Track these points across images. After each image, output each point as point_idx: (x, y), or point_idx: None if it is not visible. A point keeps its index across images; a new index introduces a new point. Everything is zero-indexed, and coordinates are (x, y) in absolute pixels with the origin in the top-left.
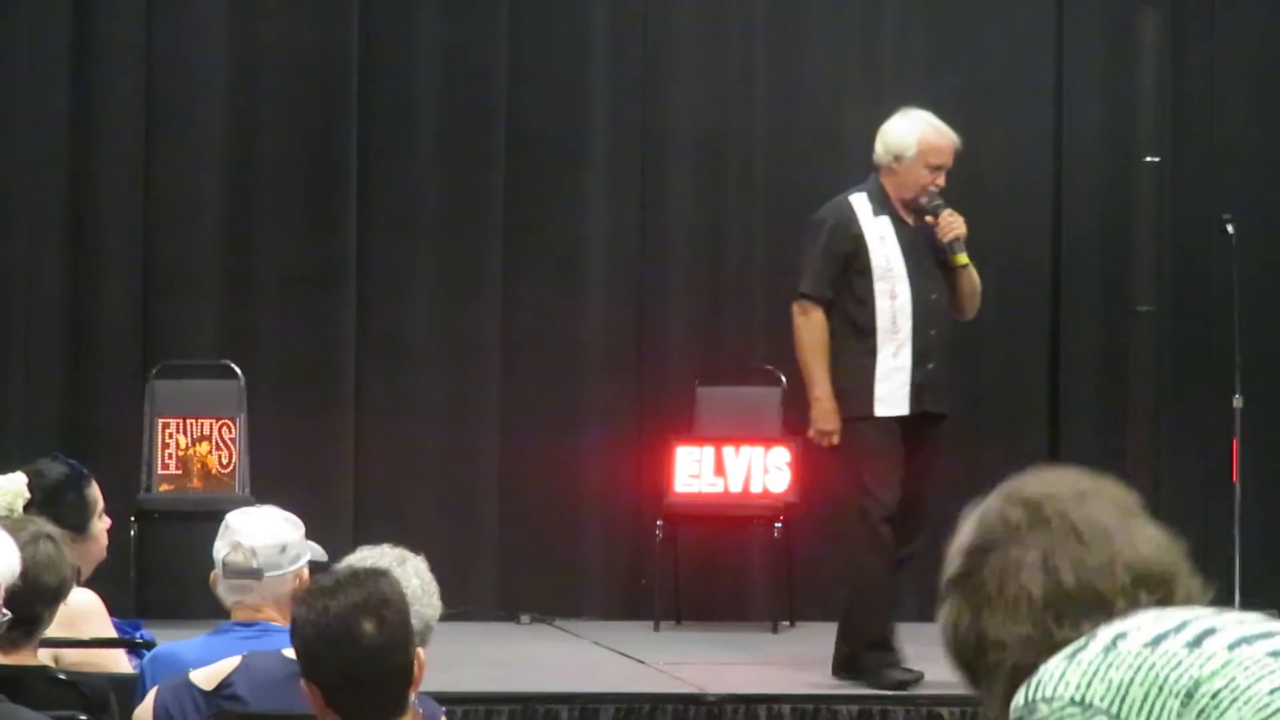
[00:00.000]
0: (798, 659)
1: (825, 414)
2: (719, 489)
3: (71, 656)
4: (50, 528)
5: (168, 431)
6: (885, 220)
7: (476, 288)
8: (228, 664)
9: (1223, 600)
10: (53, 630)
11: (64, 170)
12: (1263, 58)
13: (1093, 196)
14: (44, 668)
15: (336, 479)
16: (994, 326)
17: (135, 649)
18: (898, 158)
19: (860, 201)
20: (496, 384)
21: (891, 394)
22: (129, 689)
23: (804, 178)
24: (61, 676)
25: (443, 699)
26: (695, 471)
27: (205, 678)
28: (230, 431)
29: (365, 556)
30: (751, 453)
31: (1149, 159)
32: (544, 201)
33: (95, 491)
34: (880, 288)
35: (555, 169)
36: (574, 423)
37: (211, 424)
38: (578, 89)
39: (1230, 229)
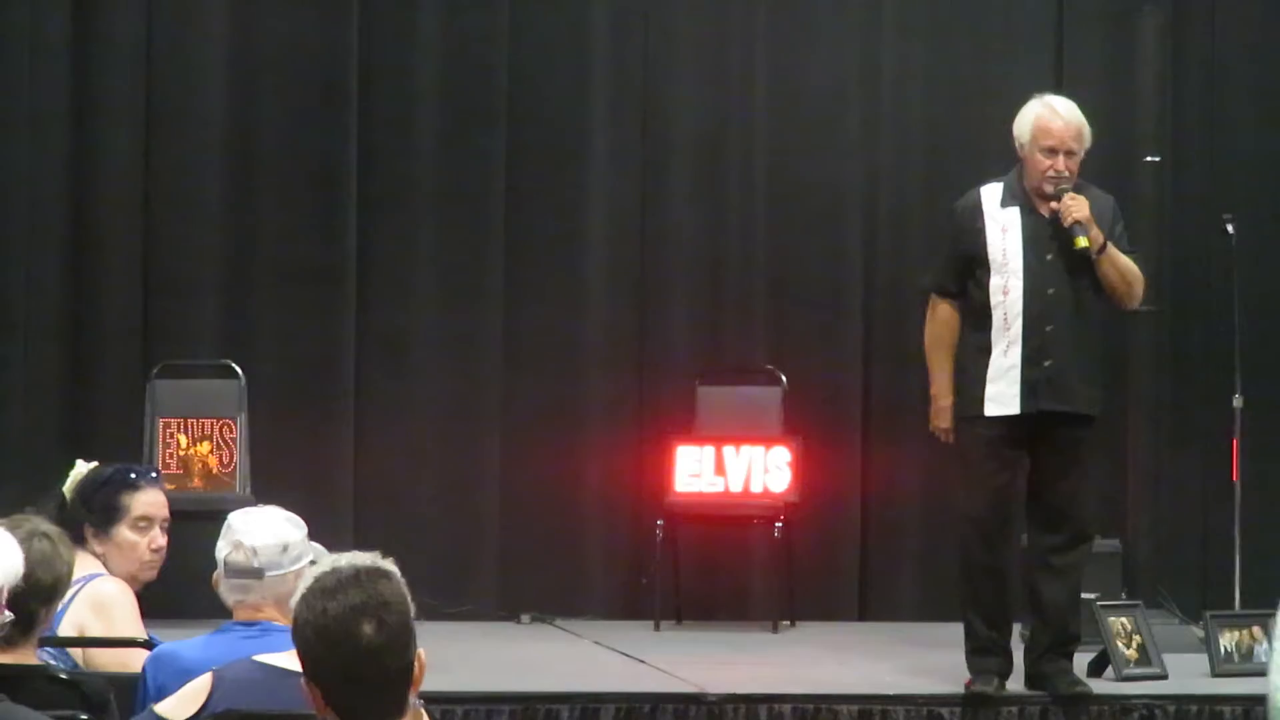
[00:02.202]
0: (798, 658)
1: (937, 412)
2: (719, 489)
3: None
4: (47, 526)
5: (169, 431)
6: (1014, 211)
7: (477, 287)
8: (199, 687)
9: (1223, 600)
10: (82, 615)
11: (64, 170)
12: (1263, 58)
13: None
14: (43, 666)
15: (337, 479)
16: None
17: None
18: (1020, 144)
19: (991, 192)
20: (497, 384)
21: (1002, 393)
22: (130, 689)
23: (804, 177)
24: (62, 675)
25: (443, 699)
26: (696, 471)
27: (179, 706)
28: (231, 431)
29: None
30: (752, 452)
31: (1149, 159)
32: (544, 202)
33: (133, 501)
34: (995, 282)
35: (555, 169)
36: (574, 422)
37: (212, 424)
38: (578, 89)
39: (1230, 229)
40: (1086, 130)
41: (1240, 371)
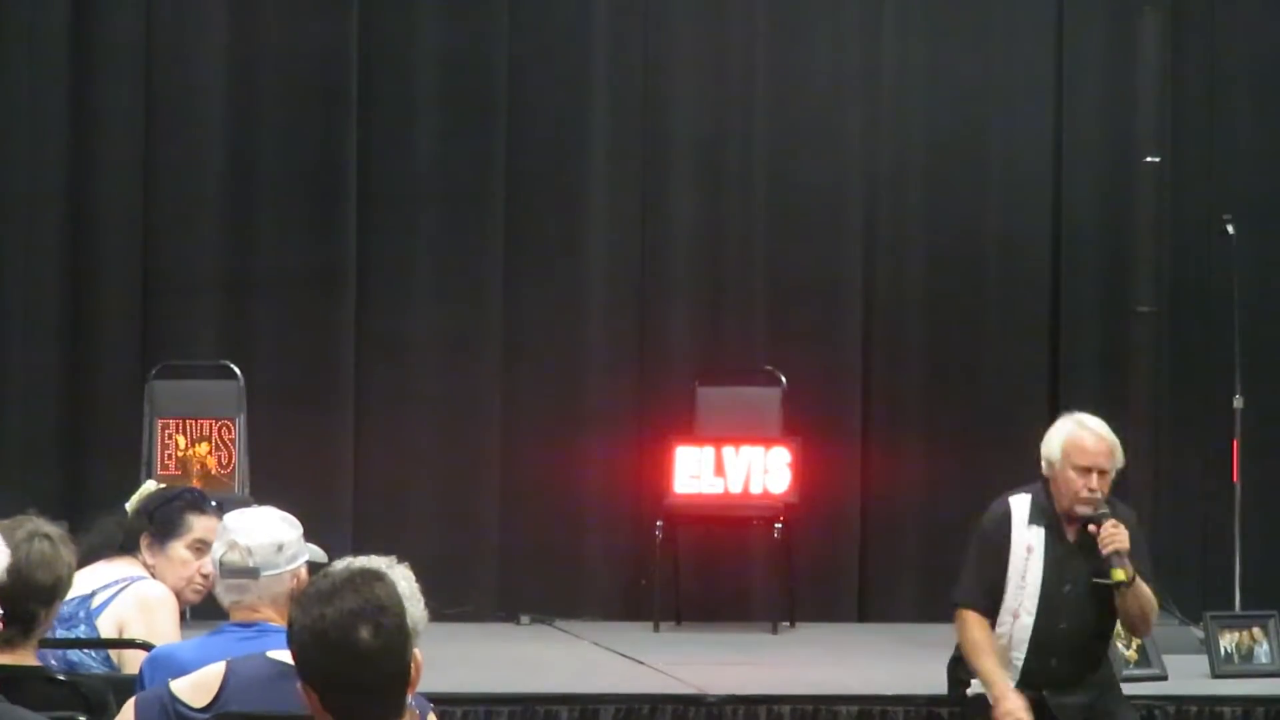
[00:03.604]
0: (797, 659)
1: (1010, 709)
2: (719, 489)
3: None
4: (49, 527)
5: (167, 432)
6: (1039, 531)
7: (477, 288)
8: (213, 675)
9: (1223, 601)
10: (127, 612)
11: (63, 171)
12: (1263, 58)
13: (1093, 196)
14: (42, 667)
15: (336, 480)
16: (994, 326)
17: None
18: (1049, 463)
19: (1019, 504)
20: (497, 384)
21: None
22: (128, 690)
23: (804, 178)
24: (60, 677)
25: (443, 699)
26: (695, 472)
27: (193, 691)
28: (229, 432)
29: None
30: (751, 453)
31: (1149, 159)
32: (544, 202)
33: (195, 521)
34: (1008, 603)
35: (555, 169)
36: (574, 423)
37: (211, 424)
38: (578, 89)
39: (1230, 229)
40: (1119, 451)
41: (1240, 372)
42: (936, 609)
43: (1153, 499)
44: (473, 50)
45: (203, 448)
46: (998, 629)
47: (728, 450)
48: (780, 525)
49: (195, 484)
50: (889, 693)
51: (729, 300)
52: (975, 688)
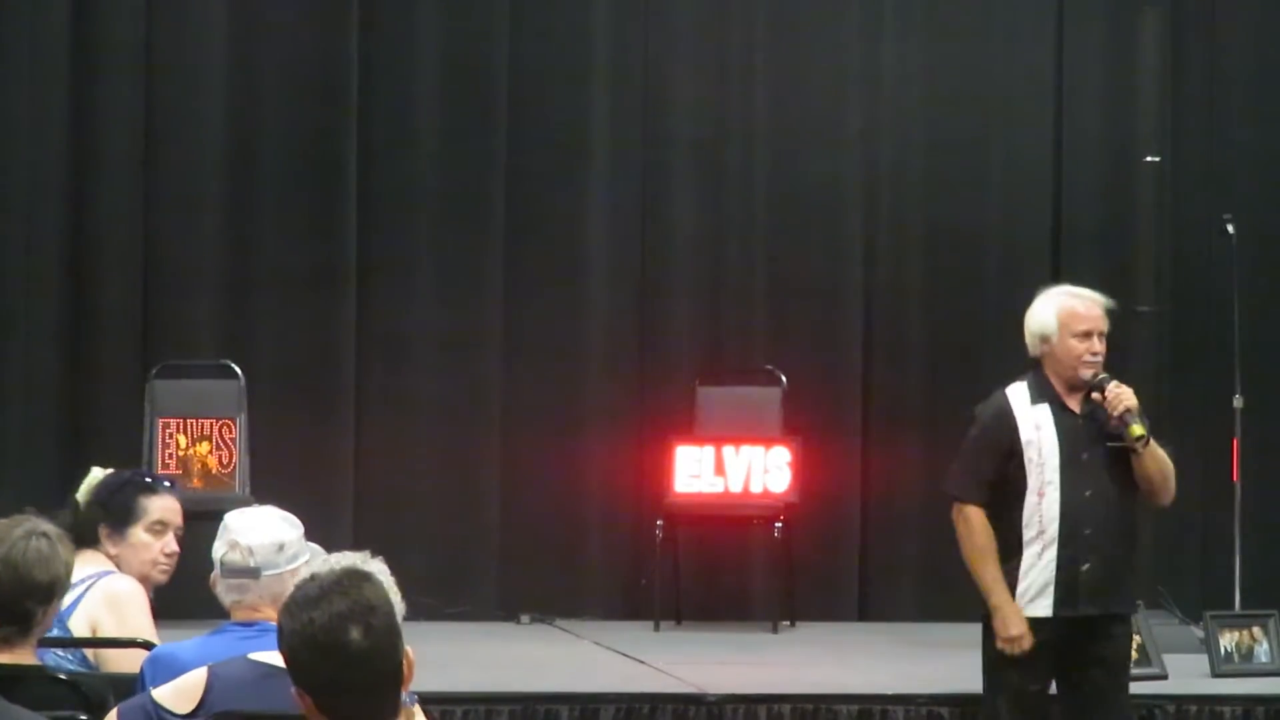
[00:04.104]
0: (798, 658)
1: (1005, 620)
2: (719, 489)
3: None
4: (46, 525)
5: (168, 431)
6: (1044, 408)
7: (477, 288)
8: (195, 681)
9: (1223, 600)
10: (96, 610)
11: (64, 171)
12: (1263, 58)
13: (1093, 196)
14: (41, 666)
15: (336, 479)
16: (994, 326)
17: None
18: (1044, 338)
19: (1017, 391)
20: (497, 384)
21: (1035, 594)
22: (129, 689)
23: (804, 177)
24: (60, 676)
25: (444, 699)
26: (695, 471)
27: (176, 698)
28: (230, 431)
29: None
30: (752, 453)
31: (1149, 159)
32: (544, 202)
33: (150, 504)
34: (1030, 484)
35: (555, 170)
36: (575, 423)
37: (212, 424)
38: (578, 89)
39: (1230, 229)
40: (1107, 314)
41: (1240, 371)
42: (937, 608)
43: None
44: (473, 50)
45: (203, 447)
46: (1027, 508)
47: (728, 450)
48: (780, 525)
49: (197, 484)
50: (889, 692)
51: (729, 300)
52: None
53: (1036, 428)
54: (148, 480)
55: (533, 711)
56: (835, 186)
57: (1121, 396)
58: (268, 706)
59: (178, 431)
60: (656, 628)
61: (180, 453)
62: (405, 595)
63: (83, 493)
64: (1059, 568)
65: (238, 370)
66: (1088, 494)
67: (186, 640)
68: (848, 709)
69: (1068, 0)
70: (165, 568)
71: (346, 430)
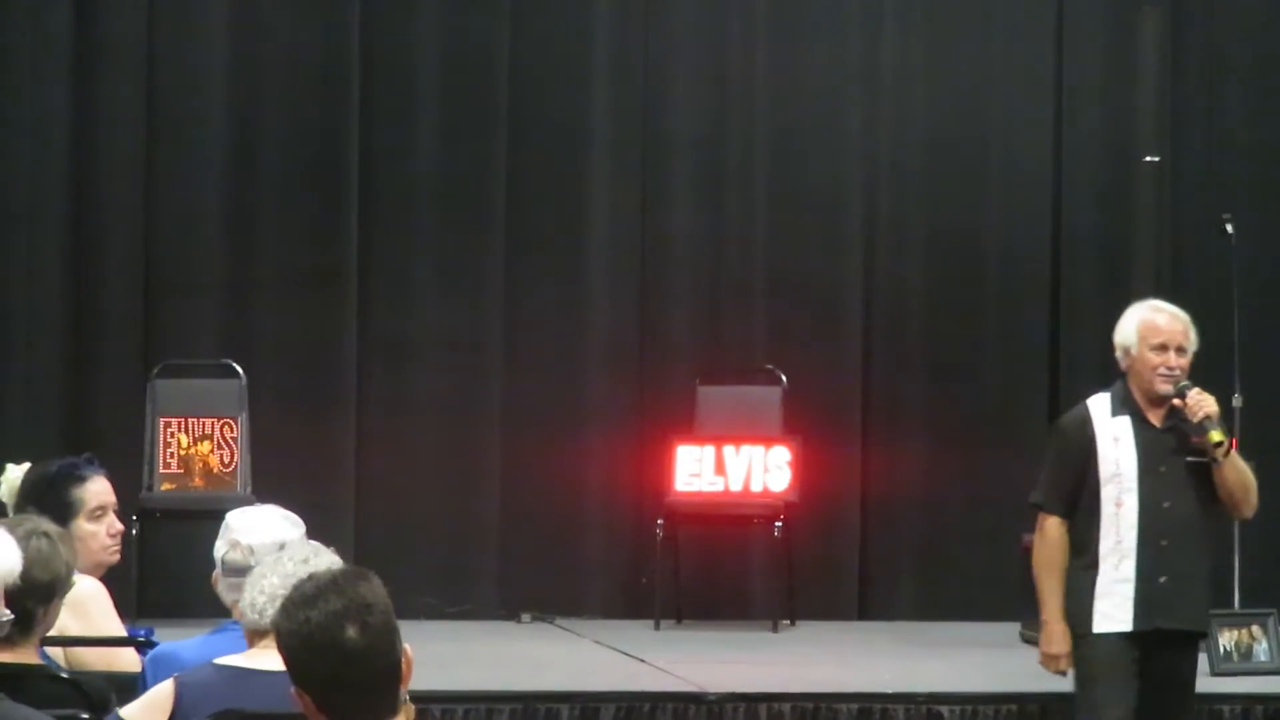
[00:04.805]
0: (798, 657)
1: (1049, 637)
2: (719, 488)
3: (85, 655)
4: (48, 525)
5: (169, 431)
6: (1125, 420)
7: (477, 287)
8: (163, 695)
9: (1223, 600)
10: (63, 620)
11: (65, 170)
12: (1263, 57)
13: (1092, 196)
14: (44, 666)
15: (338, 478)
16: (994, 326)
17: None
18: (1126, 351)
19: (1099, 403)
20: (497, 384)
21: (1112, 609)
22: (130, 687)
23: (804, 177)
24: (63, 675)
25: (444, 698)
26: (696, 470)
27: (145, 713)
28: (232, 431)
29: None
30: (752, 452)
31: (1148, 159)
32: (544, 202)
33: (85, 492)
34: (1107, 494)
35: (555, 170)
36: (575, 422)
37: (213, 423)
38: (578, 89)
39: (1230, 229)
40: (1193, 331)
41: (1240, 371)
42: (936, 607)
43: None
44: (474, 50)
45: (205, 446)
46: (1104, 520)
47: (728, 449)
48: (780, 524)
49: (198, 483)
50: (889, 690)
51: (729, 299)
52: (1099, 625)
53: (1115, 439)
54: (75, 467)
55: (533, 710)
56: (835, 186)
57: (1202, 403)
58: (238, 707)
59: (179, 431)
60: (657, 626)
61: (181, 452)
62: (406, 594)
63: (6, 495)
64: (1138, 579)
65: (239, 369)
66: (1166, 505)
67: (188, 639)
68: (848, 708)
69: (1067, 0)
70: (114, 548)
71: (348, 429)
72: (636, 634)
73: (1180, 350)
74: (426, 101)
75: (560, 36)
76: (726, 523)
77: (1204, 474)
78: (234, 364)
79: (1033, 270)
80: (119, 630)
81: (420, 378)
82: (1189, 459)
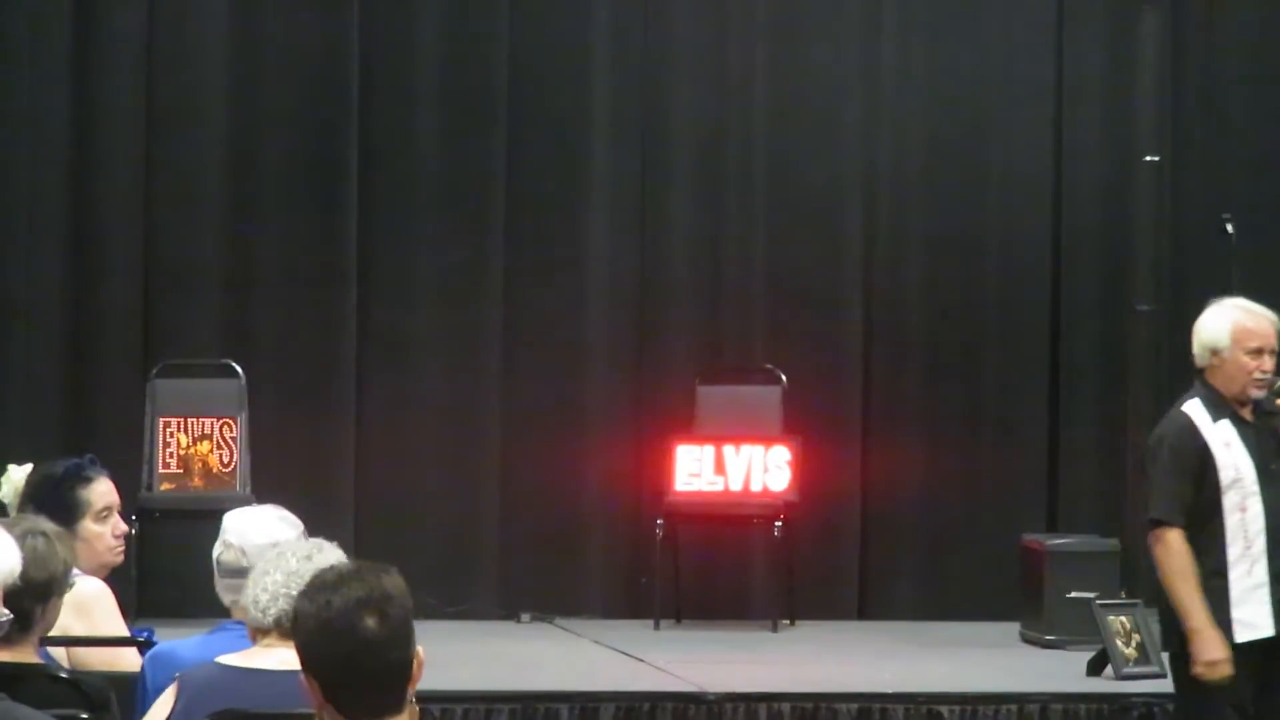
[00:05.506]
0: (797, 657)
1: (1208, 644)
2: (719, 488)
3: (87, 655)
4: (45, 525)
5: (169, 430)
6: (1226, 424)
7: (477, 287)
8: (166, 697)
9: None
10: (64, 617)
11: (64, 169)
12: (1263, 57)
13: (1093, 196)
14: (43, 665)
15: (337, 478)
16: (994, 326)
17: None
18: (1214, 352)
19: (1195, 408)
20: (497, 384)
21: (1252, 616)
22: (129, 687)
23: (804, 177)
24: (62, 674)
25: (443, 698)
26: (696, 470)
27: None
28: (231, 430)
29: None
30: (751, 452)
31: (1149, 159)
32: (544, 202)
33: (91, 494)
34: (1231, 500)
35: (555, 170)
36: (575, 422)
37: (213, 423)
38: (578, 89)
39: (1230, 229)
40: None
41: None
42: (936, 607)
43: None
44: (473, 49)
45: (204, 446)
46: (1229, 526)
47: (728, 449)
48: (780, 523)
49: (198, 483)
50: (889, 690)
51: (729, 299)
52: (1240, 635)
53: (1226, 444)
54: (79, 469)
55: (533, 710)
56: (835, 186)
57: None
58: (239, 707)
59: (178, 430)
60: (656, 626)
61: (181, 451)
62: None
63: (9, 495)
64: (1271, 582)
65: (238, 369)
66: (1277, 505)
67: (187, 639)
68: (847, 708)
69: (1068, 0)
70: (119, 549)
71: (348, 429)
72: (636, 634)
73: (1272, 353)
74: (426, 100)
75: (560, 35)
76: (726, 523)
77: None
78: (234, 364)
79: (1032, 271)
80: (123, 631)
81: (420, 377)
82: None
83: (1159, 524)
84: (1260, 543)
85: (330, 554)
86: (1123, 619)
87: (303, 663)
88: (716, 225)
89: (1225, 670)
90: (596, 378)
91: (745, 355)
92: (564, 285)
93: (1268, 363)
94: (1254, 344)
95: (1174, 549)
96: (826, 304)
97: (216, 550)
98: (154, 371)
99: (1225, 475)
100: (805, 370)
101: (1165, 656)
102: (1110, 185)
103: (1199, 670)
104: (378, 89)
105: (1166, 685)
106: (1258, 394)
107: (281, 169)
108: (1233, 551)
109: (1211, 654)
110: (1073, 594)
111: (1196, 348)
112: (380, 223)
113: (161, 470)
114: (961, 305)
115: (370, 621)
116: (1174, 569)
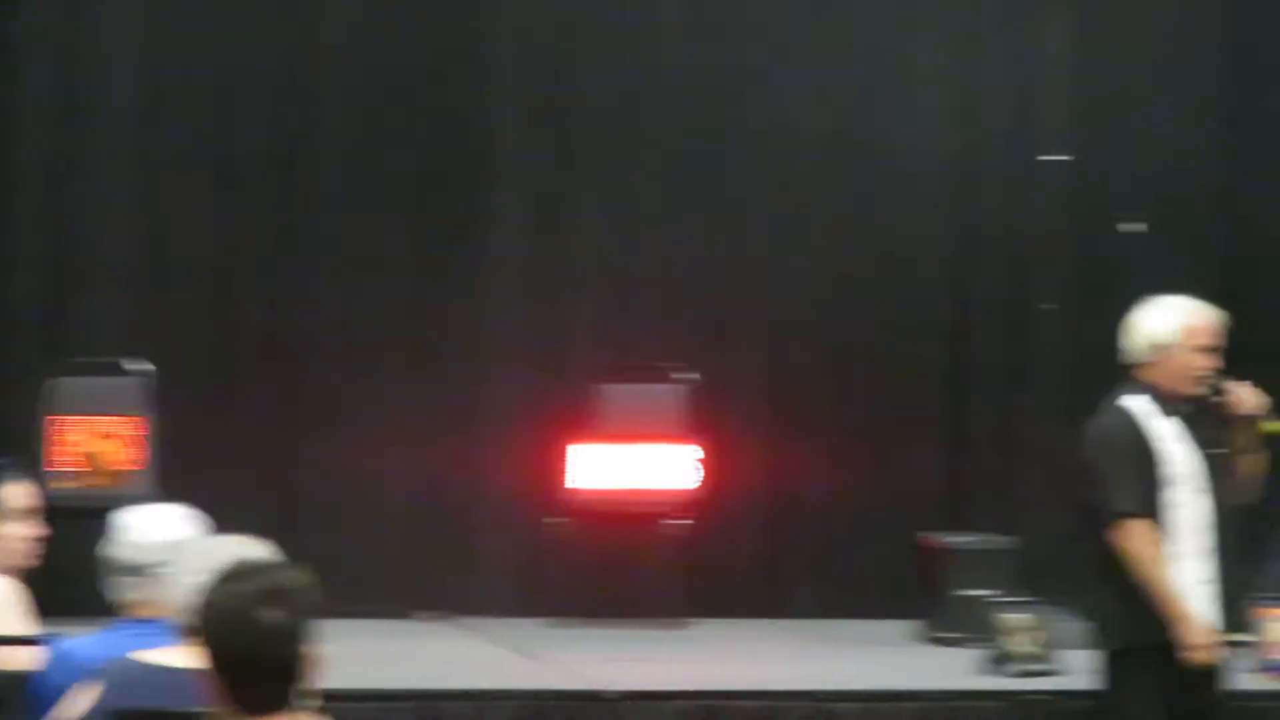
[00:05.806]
0: (697, 656)
1: (1193, 629)
2: (621, 486)
3: None
4: None
5: (71, 429)
6: (1169, 419)
7: (379, 283)
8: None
9: None
10: None
11: None
12: (1170, 56)
13: (996, 194)
14: None
15: (239, 480)
16: (897, 325)
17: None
18: (1158, 348)
19: (1136, 402)
20: (397, 381)
21: (1195, 611)
22: (17, 687)
23: (708, 174)
24: None
25: (340, 696)
26: (597, 468)
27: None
28: (136, 429)
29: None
30: (656, 450)
31: (1053, 157)
32: (447, 197)
33: (14, 494)
34: (1180, 495)
35: (457, 164)
36: (475, 420)
37: (117, 421)
38: (482, 85)
39: (1127, 228)
40: None
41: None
42: (842, 606)
43: None
44: (385, 49)
45: (109, 445)
46: (1173, 529)
47: (630, 447)
48: (683, 522)
49: (101, 482)
50: (789, 689)
51: (632, 296)
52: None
53: (1170, 440)
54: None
55: (431, 709)
56: (737, 184)
57: (1249, 395)
58: (156, 704)
59: (81, 429)
60: (555, 625)
61: (84, 450)
62: None
63: None
64: (1216, 577)
65: (145, 367)
66: (1218, 501)
67: (82, 637)
68: (748, 706)
69: None
70: (35, 551)
71: (249, 430)
72: (534, 632)
73: (1217, 350)
74: (333, 95)
75: (462, 27)
76: (627, 520)
77: (1227, 461)
78: (140, 362)
79: (936, 269)
80: (33, 630)
81: (323, 374)
82: (1217, 451)
83: (1122, 516)
84: (1209, 539)
85: (258, 551)
86: (1022, 616)
87: (201, 653)
88: (619, 221)
89: (1214, 654)
90: (498, 375)
91: (650, 353)
92: (467, 283)
93: (1213, 361)
94: (1204, 341)
95: (1147, 538)
96: (731, 300)
97: (110, 548)
98: (56, 370)
99: (1170, 470)
100: (711, 368)
101: (1099, 655)
102: (1015, 183)
103: (1189, 654)
104: (281, 85)
105: (1067, 683)
106: (1199, 390)
107: (192, 166)
108: (1183, 547)
109: (1201, 637)
110: (968, 591)
111: (1137, 342)
112: (286, 219)
113: (62, 469)
114: (865, 305)
115: (272, 612)
116: (1148, 558)
